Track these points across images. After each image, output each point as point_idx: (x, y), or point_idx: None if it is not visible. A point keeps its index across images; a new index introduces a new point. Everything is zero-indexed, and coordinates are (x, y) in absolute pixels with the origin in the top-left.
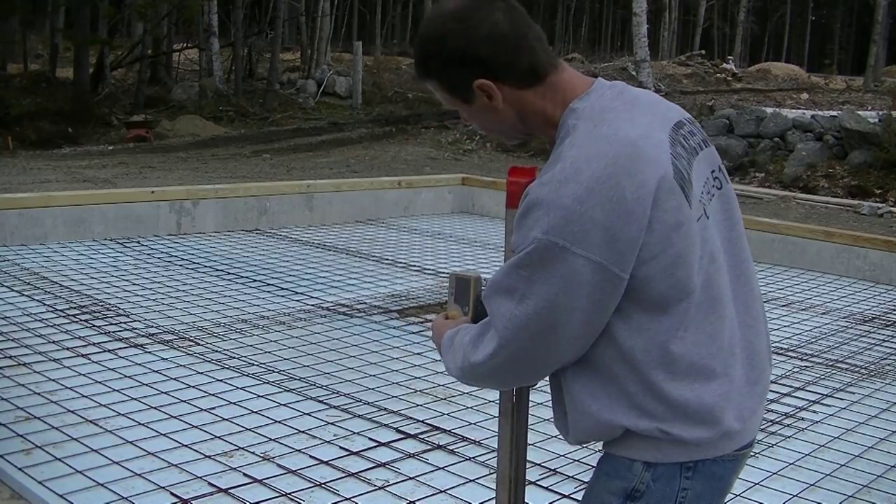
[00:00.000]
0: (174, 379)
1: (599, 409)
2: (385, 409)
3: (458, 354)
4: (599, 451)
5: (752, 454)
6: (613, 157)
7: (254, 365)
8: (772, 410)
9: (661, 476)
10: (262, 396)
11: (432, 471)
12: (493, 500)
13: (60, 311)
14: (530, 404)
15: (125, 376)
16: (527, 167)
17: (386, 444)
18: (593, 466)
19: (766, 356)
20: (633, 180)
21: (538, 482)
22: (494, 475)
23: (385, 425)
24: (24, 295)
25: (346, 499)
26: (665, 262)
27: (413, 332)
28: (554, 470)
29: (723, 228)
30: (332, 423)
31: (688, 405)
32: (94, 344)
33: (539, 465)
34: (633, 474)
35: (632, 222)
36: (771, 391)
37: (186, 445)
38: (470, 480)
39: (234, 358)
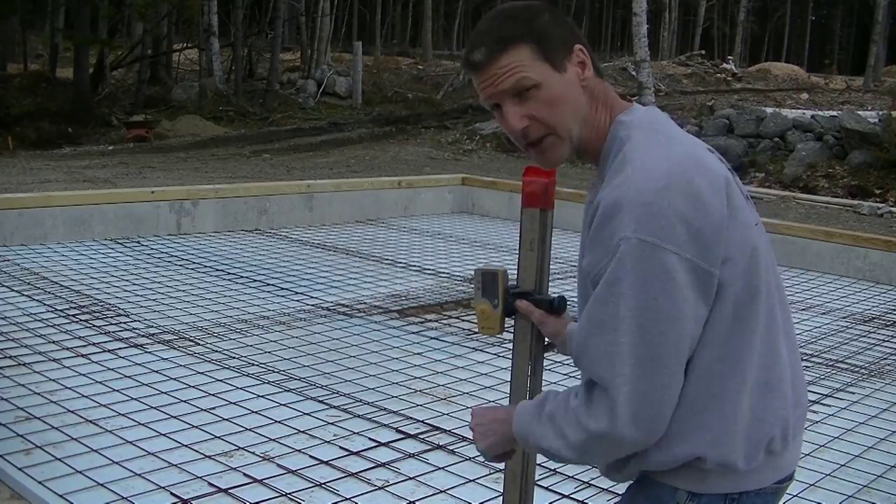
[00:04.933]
0: (174, 379)
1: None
2: (385, 409)
3: (566, 425)
4: None
5: None
6: (679, 157)
7: (254, 365)
8: None
9: None
10: (262, 396)
11: (432, 471)
12: (493, 501)
13: (60, 311)
14: None
15: (125, 376)
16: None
17: (386, 444)
18: (594, 466)
19: (804, 381)
20: (705, 177)
21: (538, 482)
22: (494, 475)
23: (385, 425)
24: (24, 295)
25: (346, 499)
26: (745, 263)
27: (413, 332)
28: (554, 470)
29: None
30: (332, 423)
31: (752, 420)
32: (94, 344)
33: (539, 464)
34: (675, 503)
35: (712, 212)
36: None
37: (186, 445)
38: (470, 480)
39: (234, 358)
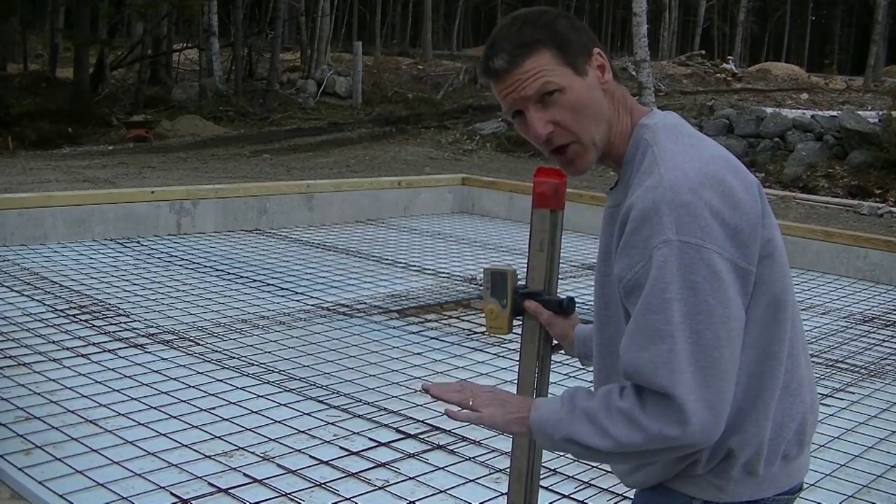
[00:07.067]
0: (174, 379)
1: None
2: (385, 409)
3: (613, 425)
4: None
5: None
6: (710, 157)
7: (254, 365)
8: None
9: None
10: (262, 396)
11: (432, 471)
12: (493, 501)
13: (60, 311)
14: None
15: (125, 376)
16: (554, 168)
17: (386, 444)
18: (594, 466)
19: (814, 384)
20: (736, 175)
21: None
22: (494, 475)
23: (385, 425)
24: (24, 295)
25: (346, 499)
26: (779, 263)
27: (413, 332)
28: (554, 470)
29: None
30: (332, 423)
31: (774, 424)
32: (94, 344)
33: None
34: None
35: (748, 210)
36: None
37: (186, 445)
38: (470, 480)
39: (234, 358)
